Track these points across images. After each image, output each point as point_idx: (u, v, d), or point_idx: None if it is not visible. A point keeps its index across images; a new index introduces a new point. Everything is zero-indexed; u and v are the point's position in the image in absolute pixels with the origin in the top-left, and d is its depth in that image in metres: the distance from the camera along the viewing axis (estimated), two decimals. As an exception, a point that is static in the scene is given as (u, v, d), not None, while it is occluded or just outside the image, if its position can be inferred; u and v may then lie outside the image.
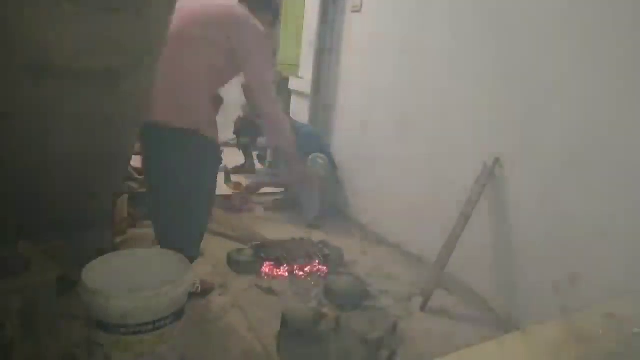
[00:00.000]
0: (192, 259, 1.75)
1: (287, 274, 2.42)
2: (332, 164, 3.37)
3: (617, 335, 1.00)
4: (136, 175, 2.90)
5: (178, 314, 1.44)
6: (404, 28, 2.84)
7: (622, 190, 1.73)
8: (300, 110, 3.87)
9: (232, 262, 2.45)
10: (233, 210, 3.27)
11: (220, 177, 3.29)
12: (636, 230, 1.67)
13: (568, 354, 0.93)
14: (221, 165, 2.23)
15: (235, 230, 2.90)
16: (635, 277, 1.64)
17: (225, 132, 5.33)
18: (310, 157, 3.21)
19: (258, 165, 4.37)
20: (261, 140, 4.13)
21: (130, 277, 1.51)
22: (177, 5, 1.49)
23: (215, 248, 2.61)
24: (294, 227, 3.11)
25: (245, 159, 4.27)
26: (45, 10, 1.77)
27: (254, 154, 4.34)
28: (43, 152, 2.17)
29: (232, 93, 4.51)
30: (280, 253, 2.54)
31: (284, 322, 1.85)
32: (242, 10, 1.85)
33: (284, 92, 4.18)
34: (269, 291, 2.23)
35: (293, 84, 4.10)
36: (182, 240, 1.80)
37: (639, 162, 1.68)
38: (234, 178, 3.81)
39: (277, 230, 3.01)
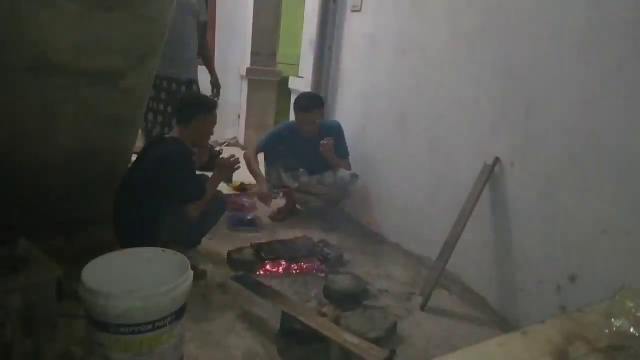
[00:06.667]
0: None
1: (287, 273, 2.42)
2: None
3: (617, 335, 1.00)
4: None
5: (178, 314, 1.44)
6: (403, 28, 2.84)
7: (622, 190, 1.73)
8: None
9: (232, 261, 2.45)
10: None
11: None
12: (636, 229, 1.68)
13: (568, 354, 0.93)
14: None
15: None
16: (635, 276, 1.64)
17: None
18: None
19: None
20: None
21: (130, 277, 1.52)
22: None
23: (215, 247, 2.61)
24: (294, 227, 3.11)
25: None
26: (45, 11, 1.78)
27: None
28: (43, 151, 2.17)
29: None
30: (280, 252, 2.55)
31: (284, 322, 1.85)
32: None
33: (284, 92, 4.11)
34: (269, 291, 2.23)
35: (293, 83, 4.10)
36: None
37: (638, 162, 1.68)
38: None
39: (278, 230, 3.02)
